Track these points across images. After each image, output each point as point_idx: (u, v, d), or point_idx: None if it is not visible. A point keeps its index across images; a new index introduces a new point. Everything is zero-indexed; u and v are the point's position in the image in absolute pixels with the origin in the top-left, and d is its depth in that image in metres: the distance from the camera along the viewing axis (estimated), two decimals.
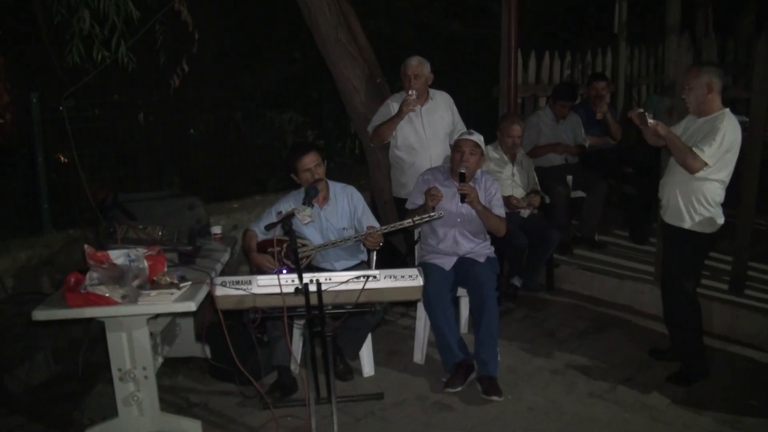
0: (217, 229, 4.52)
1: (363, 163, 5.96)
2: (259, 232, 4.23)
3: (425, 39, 8.74)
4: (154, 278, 3.47)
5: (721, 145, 3.86)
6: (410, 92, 4.91)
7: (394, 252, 5.38)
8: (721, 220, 4.09)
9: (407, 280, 3.56)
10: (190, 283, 3.49)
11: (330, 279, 3.53)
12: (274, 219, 4.18)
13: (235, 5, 8.75)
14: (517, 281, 5.59)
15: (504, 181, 5.43)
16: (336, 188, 4.38)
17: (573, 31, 9.30)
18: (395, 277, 3.56)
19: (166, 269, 3.59)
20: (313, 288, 3.42)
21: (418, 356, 4.55)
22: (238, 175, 6.21)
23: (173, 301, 3.33)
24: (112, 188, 4.98)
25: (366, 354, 4.37)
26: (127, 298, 3.31)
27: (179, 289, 3.39)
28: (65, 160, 6.47)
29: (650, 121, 4.01)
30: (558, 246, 5.59)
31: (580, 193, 6.19)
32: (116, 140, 6.14)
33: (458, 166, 4.35)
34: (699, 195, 4.02)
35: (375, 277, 3.53)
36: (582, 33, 9.12)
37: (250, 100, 6.81)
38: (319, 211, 4.26)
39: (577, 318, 5.21)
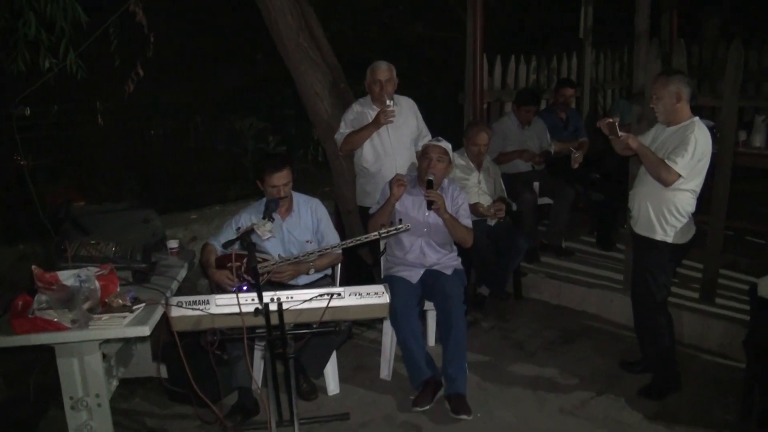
0: (173, 243, 4.33)
1: (326, 170, 5.81)
2: (218, 246, 4.06)
3: (388, 41, 8.60)
4: (106, 300, 3.28)
5: (693, 155, 3.80)
6: (389, 102, 4.76)
7: (359, 263, 5.24)
8: (692, 231, 4.04)
9: (373, 297, 3.42)
10: (143, 305, 3.31)
11: (292, 297, 3.38)
12: (233, 232, 4.02)
13: (195, 4, 8.52)
14: (484, 290, 5.49)
15: (470, 189, 5.32)
16: (299, 200, 4.22)
17: (538, 35, 9.24)
18: (360, 294, 3.41)
19: (118, 289, 3.40)
20: (274, 307, 3.27)
21: (385, 372, 4.42)
22: (197, 182, 6.00)
23: (126, 326, 3.15)
24: (67, 198, 4.77)
25: (331, 371, 4.22)
26: (78, 322, 3.13)
27: (132, 311, 3.21)
28: (23, 162, 6.25)
29: (621, 133, 3.93)
30: (525, 254, 5.50)
31: (547, 200, 6.11)
32: (72, 147, 5.93)
33: (425, 173, 4.23)
34: (670, 205, 3.95)
35: (339, 294, 3.39)
36: (547, 37, 9.06)
37: (210, 104, 6.63)
38: (281, 222, 4.11)
39: (546, 328, 5.12)
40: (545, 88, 7.27)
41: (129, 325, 3.15)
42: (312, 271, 4.13)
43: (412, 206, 4.26)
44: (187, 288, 4.72)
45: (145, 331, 3.14)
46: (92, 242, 3.92)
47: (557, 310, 5.46)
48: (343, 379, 4.31)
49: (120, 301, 3.24)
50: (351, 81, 5.67)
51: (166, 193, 5.91)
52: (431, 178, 4.18)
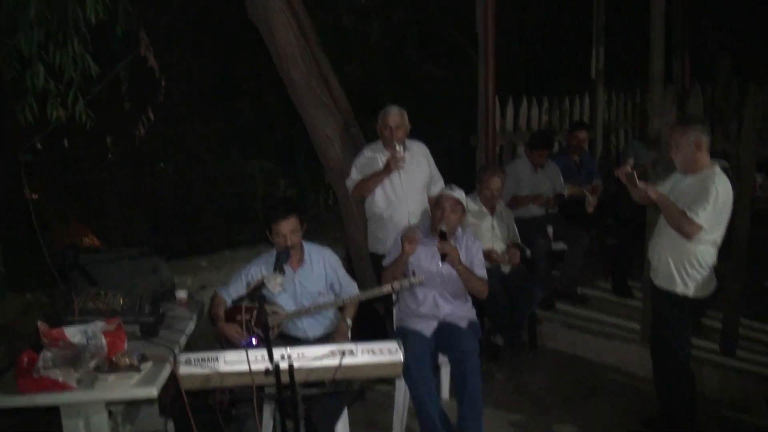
0: (182, 293, 4.23)
1: (337, 214, 5.73)
2: (228, 298, 3.96)
3: (399, 81, 8.57)
4: (113, 358, 3.18)
5: (714, 206, 3.71)
6: (398, 148, 4.70)
7: (371, 313, 5.11)
8: (714, 283, 3.93)
9: (386, 355, 3.29)
10: (150, 363, 3.20)
11: (303, 355, 3.26)
12: (243, 284, 3.95)
13: (206, 43, 8.53)
14: (498, 339, 5.36)
15: (483, 234, 5.23)
16: (311, 250, 4.13)
17: (550, 76, 9.21)
18: (373, 351, 3.29)
19: (125, 347, 3.30)
20: (284, 365, 3.16)
21: (398, 430, 4.28)
22: (207, 225, 5.93)
23: (133, 386, 3.05)
24: (76, 242, 4.71)
25: (341, 429, 4.08)
26: (83, 382, 3.02)
27: (139, 371, 3.10)
28: (34, 195, 6.21)
29: (640, 183, 3.84)
30: (540, 301, 5.38)
31: (561, 245, 6.00)
32: (81, 187, 5.89)
33: (439, 224, 4.15)
34: (691, 258, 3.85)
35: (352, 351, 3.28)
36: (559, 78, 9.03)
37: (219, 145, 6.58)
38: (293, 274, 4.01)
39: (563, 381, 4.98)
40: (557, 129, 7.21)
41: (136, 386, 3.05)
42: (349, 321, 4.11)
43: (425, 256, 4.17)
44: (195, 339, 4.62)
45: (153, 392, 3.03)
46: (100, 293, 3.84)
47: (574, 361, 5.31)
48: None
49: (127, 360, 3.14)
50: (362, 123, 5.63)
51: (175, 237, 5.83)
52: (445, 229, 4.09)
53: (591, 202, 6.04)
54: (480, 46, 5.68)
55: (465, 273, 4.13)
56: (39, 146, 4.53)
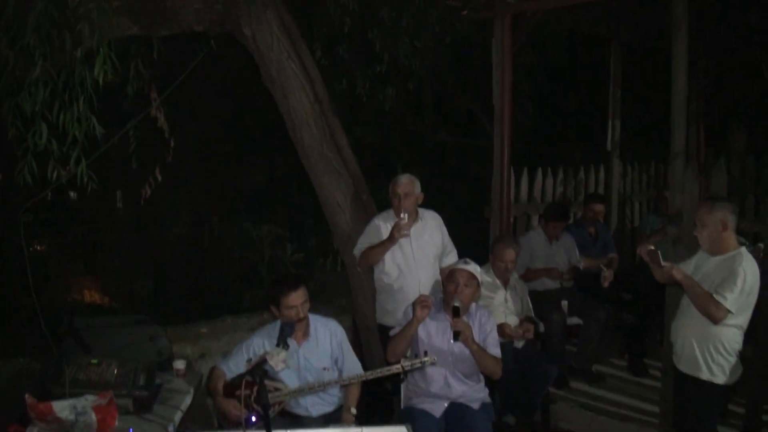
0: (180, 364, 4.04)
1: (345, 281, 5.56)
2: (227, 372, 3.77)
3: (411, 147, 8.50)
4: None
5: (742, 289, 3.54)
6: (402, 215, 4.56)
7: (378, 390, 4.86)
8: (740, 370, 3.72)
9: None
10: None
11: None
12: (244, 357, 3.75)
13: (219, 105, 8.52)
14: (510, 419, 5.11)
15: (496, 308, 5.03)
16: (317, 323, 3.94)
17: (565, 146, 9.14)
18: None
19: (116, 424, 3.11)
20: None
21: None
22: (211, 289, 5.75)
23: None
24: (74, 303, 4.56)
25: None
26: None
27: None
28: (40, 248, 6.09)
29: (664, 263, 3.67)
30: (554, 379, 5.14)
31: (576, 320, 5.79)
32: (87, 246, 5.77)
33: (452, 299, 3.95)
34: (717, 343, 3.66)
35: None
36: (574, 148, 8.96)
37: (227, 206, 6.47)
38: (297, 348, 3.81)
39: None
40: (572, 200, 7.07)
41: None
42: (353, 410, 3.86)
43: (436, 333, 3.97)
44: (192, 412, 4.40)
45: None
46: (93, 362, 3.66)
47: None
48: None
49: None
50: (374, 189, 5.51)
51: (177, 301, 5.66)
52: (458, 305, 3.89)
53: (607, 276, 5.86)
54: (495, 116, 5.59)
55: (478, 352, 3.92)
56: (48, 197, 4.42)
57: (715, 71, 8.22)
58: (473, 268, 4.05)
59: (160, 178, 5.17)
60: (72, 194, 6.81)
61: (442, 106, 8.42)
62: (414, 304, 4.01)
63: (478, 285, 4.07)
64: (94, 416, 3.03)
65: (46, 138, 3.39)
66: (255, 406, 3.57)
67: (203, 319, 5.43)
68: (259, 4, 4.84)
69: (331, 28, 5.84)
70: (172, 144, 5.36)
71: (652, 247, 3.79)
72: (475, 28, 6.46)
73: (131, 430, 3.06)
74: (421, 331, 4.00)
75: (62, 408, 3.05)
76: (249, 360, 3.54)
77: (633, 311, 5.93)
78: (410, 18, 5.89)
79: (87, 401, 3.14)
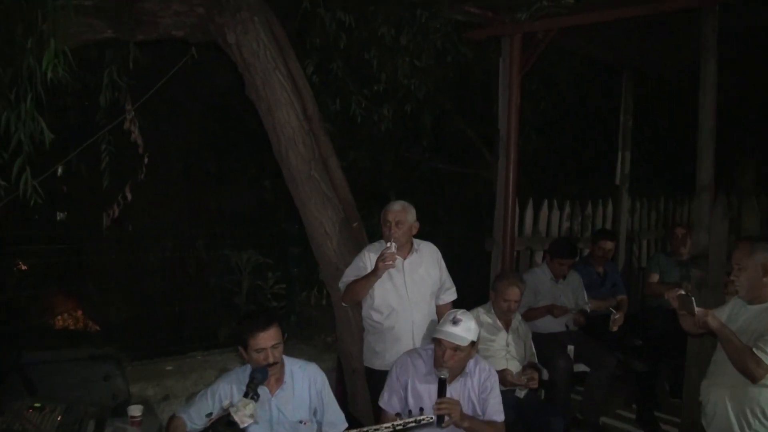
0: (135, 411, 3.48)
1: (330, 316, 5.05)
2: (188, 422, 3.24)
3: (406, 174, 8.06)
4: None
5: None
6: (389, 243, 4.07)
7: None
8: None
9: None
10: None
11: None
12: (209, 406, 3.22)
13: (203, 120, 8.09)
14: None
15: (497, 352, 4.55)
16: (293, 366, 3.40)
17: (571, 179, 8.70)
18: None
19: None
20: None
21: None
22: (181, 321, 5.22)
23: None
24: (18, 345, 4.05)
25: None
26: None
27: None
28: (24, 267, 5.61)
29: (698, 309, 3.20)
30: None
31: (582, 367, 5.29)
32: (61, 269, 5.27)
33: (438, 366, 3.38)
34: (755, 405, 3.19)
35: None
36: (580, 182, 8.51)
37: (205, 232, 5.96)
38: (269, 397, 3.29)
39: None
40: (579, 236, 6.61)
41: None
42: None
43: (429, 398, 3.36)
44: None
45: None
46: (36, 406, 3.13)
47: None
48: None
49: None
50: (364, 215, 5.04)
51: (151, 331, 5.13)
52: (444, 377, 3.28)
53: (617, 319, 5.38)
54: (501, 142, 5.17)
55: (474, 427, 3.36)
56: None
57: (723, 106, 7.88)
58: (464, 328, 3.38)
59: (130, 197, 4.69)
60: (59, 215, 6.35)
61: (440, 132, 7.98)
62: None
63: (473, 344, 3.47)
64: None
65: None
66: None
67: (174, 353, 4.90)
68: (245, 9, 4.40)
69: (325, 44, 5.41)
70: (146, 161, 4.87)
71: (683, 292, 3.31)
72: (477, 51, 6.09)
73: None
74: (411, 397, 3.47)
75: None
76: (209, 414, 3.02)
77: (644, 359, 5.42)
78: (411, 35, 5.47)
79: None
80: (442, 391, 3.20)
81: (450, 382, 3.40)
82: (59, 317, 5.71)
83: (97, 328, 5.80)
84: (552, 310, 5.23)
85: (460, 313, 3.46)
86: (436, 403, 3.15)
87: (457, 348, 3.33)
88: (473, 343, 3.41)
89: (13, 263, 5.51)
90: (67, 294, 5.67)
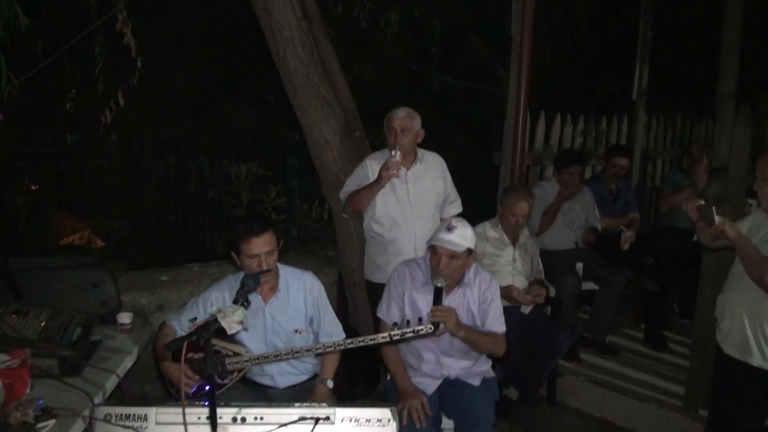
0: (125, 318, 3.38)
1: (332, 230, 4.89)
2: (178, 329, 3.12)
3: (414, 89, 7.78)
4: (4, 410, 2.33)
5: None
6: (394, 152, 3.86)
7: (362, 355, 4.20)
8: None
9: (375, 426, 2.49)
10: (53, 421, 2.35)
11: (261, 419, 2.45)
12: (200, 312, 3.10)
13: (207, 37, 7.81)
14: (512, 392, 4.50)
15: (503, 267, 4.39)
16: (288, 275, 3.26)
17: (584, 93, 8.37)
18: (358, 420, 2.49)
19: (28, 391, 2.47)
20: (235, 431, 2.35)
21: None
22: (179, 233, 5.07)
23: None
24: (5, 250, 3.91)
25: None
26: None
27: None
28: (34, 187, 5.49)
29: (718, 218, 3.00)
30: (565, 351, 4.50)
31: (591, 285, 5.13)
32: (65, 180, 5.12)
33: (435, 275, 3.21)
34: None
35: (328, 418, 2.46)
36: (594, 96, 8.19)
37: (212, 146, 5.77)
38: (263, 306, 3.16)
39: None
40: (592, 153, 6.36)
41: None
42: (330, 382, 3.21)
43: (426, 308, 3.17)
44: (137, 374, 3.78)
45: None
46: (20, 311, 3.01)
47: (600, 426, 4.46)
48: None
49: (18, 416, 2.29)
50: (370, 131, 4.82)
51: (150, 243, 5.00)
52: (441, 285, 3.09)
53: (628, 237, 5.21)
54: (513, 50, 4.86)
55: (471, 337, 3.19)
56: None
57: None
58: (459, 235, 3.18)
59: (122, 102, 4.46)
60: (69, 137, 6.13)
61: (451, 46, 7.66)
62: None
63: (470, 252, 3.27)
64: None
65: None
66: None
67: (171, 265, 4.78)
68: None
69: None
70: (139, 65, 4.62)
71: (702, 202, 3.12)
72: None
73: (41, 402, 2.41)
74: (408, 305, 3.32)
75: None
76: (193, 320, 2.89)
77: (655, 278, 5.26)
78: None
79: None
80: (437, 300, 3.04)
81: (448, 293, 3.25)
82: (55, 226, 5.59)
83: (95, 238, 5.68)
84: (566, 193, 5.01)
85: (456, 221, 3.27)
86: (431, 311, 3.00)
87: (452, 255, 3.15)
88: (470, 251, 3.22)
89: (15, 176, 5.38)
90: (64, 204, 5.52)
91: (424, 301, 3.22)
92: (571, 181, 5.05)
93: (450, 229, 3.19)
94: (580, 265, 5.05)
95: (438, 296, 3.05)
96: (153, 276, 4.44)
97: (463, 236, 3.17)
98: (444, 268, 3.15)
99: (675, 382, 4.58)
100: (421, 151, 4.17)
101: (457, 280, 3.27)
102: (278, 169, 5.70)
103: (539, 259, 4.68)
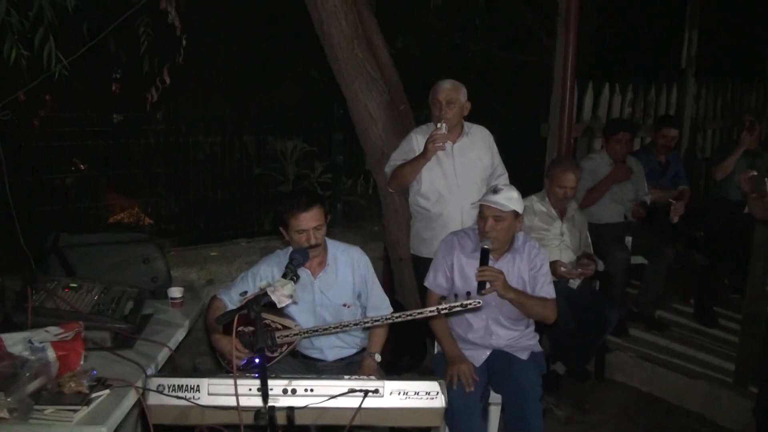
0: (176, 293, 3.43)
1: (377, 205, 4.90)
2: (229, 303, 3.17)
3: (459, 62, 7.68)
4: (59, 381, 2.39)
5: None
6: (439, 124, 3.84)
7: (410, 329, 4.19)
8: None
9: (423, 399, 2.49)
10: (107, 391, 2.40)
11: (311, 390, 2.47)
12: (250, 287, 3.14)
13: (249, 12, 7.80)
14: (559, 367, 4.49)
15: (550, 242, 4.35)
16: (336, 250, 3.27)
17: (634, 62, 8.16)
18: (407, 393, 2.48)
19: (82, 362, 2.53)
20: (285, 402, 2.37)
21: None
22: (226, 210, 5.11)
23: (75, 424, 2.24)
24: (57, 226, 3.98)
25: None
26: (16, 412, 2.23)
27: (87, 404, 2.29)
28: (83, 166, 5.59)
29: None
30: (614, 326, 4.45)
31: (640, 259, 5.06)
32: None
33: (482, 237, 3.19)
34: None
35: (378, 391, 2.46)
36: (646, 65, 7.98)
37: (253, 122, 5.79)
38: (312, 280, 3.18)
39: (636, 427, 4.09)
40: (641, 123, 6.23)
41: (80, 424, 2.24)
42: (378, 356, 3.23)
43: (473, 275, 3.16)
44: (188, 347, 3.86)
45: None
46: (72, 285, 3.07)
47: (649, 402, 4.41)
48: None
49: (73, 386, 2.34)
50: (414, 105, 4.78)
51: (197, 221, 5.06)
52: (488, 246, 3.11)
53: (677, 210, 5.10)
54: (559, 18, 4.79)
55: (519, 300, 3.18)
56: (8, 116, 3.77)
57: None
58: (505, 196, 3.16)
59: (168, 81, 4.50)
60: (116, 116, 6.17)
61: (494, 16, 7.54)
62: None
63: (517, 215, 3.24)
64: (53, 353, 2.45)
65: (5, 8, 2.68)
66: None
67: (219, 240, 4.83)
68: None
69: None
70: (184, 43, 4.65)
71: (755, 173, 3.03)
72: None
73: (94, 372, 2.46)
74: (457, 271, 3.31)
75: (15, 342, 2.47)
76: (243, 293, 2.92)
77: (706, 252, 5.16)
78: None
79: (49, 334, 2.56)
80: (484, 260, 3.05)
81: (497, 258, 3.24)
82: (104, 204, 5.68)
83: (144, 215, 5.77)
84: (616, 173, 4.91)
85: (503, 184, 3.29)
86: (478, 270, 3.01)
87: (498, 217, 3.13)
88: (516, 215, 3.20)
89: (64, 156, 5.47)
90: (112, 183, 5.61)
91: (473, 268, 3.20)
92: (619, 149, 4.96)
93: (496, 191, 3.19)
94: (629, 239, 4.98)
95: (485, 257, 3.06)
96: (202, 252, 4.50)
97: (508, 198, 3.15)
98: (490, 230, 3.14)
99: (725, 358, 4.51)
100: (467, 125, 4.14)
101: (506, 245, 3.25)
102: (324, 145, 5.71)
103: (587, 233, 4.62)
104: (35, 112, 6.54)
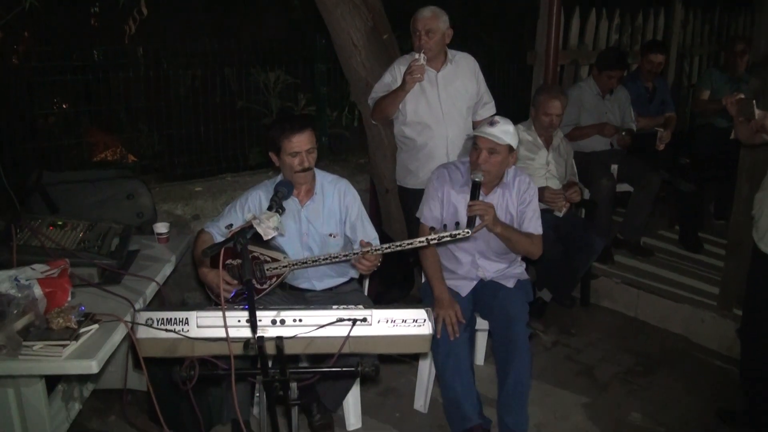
0: (162, 228, 3.43)
1: (363, 137, 4.85)
2: (218, 235, 3.16)
3: None
4: (47, 317, 2.39)
5: None
6: (418, 55, 3.77)
7: (397, 260, 4.20)
8: None
9: (411, 326, 2.50)
10: (95, 326, 2.41)
11: (300, 320, 2.48)
12: (238, 217, 3.13)
13: None
14: (545, 295, 4.54)
15: (536, 170, 4.34)
16: (324, 181, 3.26)
17: None
18: (394, 321, 2.50)
19: (69, 299, 2.53)
20: (274, 332, 2.39)
21: (420, 402, 3.51)
22: (210, 145, 5.05)
23: (65, 359, 2.26)
24: (39, 165, 3.93)
25: (352, 402, 3.33)
26: (5, 349, 2.25)
27: (75, 339, 2.31)
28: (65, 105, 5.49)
29: (758, 111, 2.91)
30: (599, 253, 4.49)
31: (626, 187, 5.07)
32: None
33: (473, 170, 3.16)
34: None
35: (365, 320, 2.48)
36: None
37: (238, 54, 5.67)
38: (299, 209, 3.18)
39: (621, 350, 4.17)
40: (628, 49, 6.16)
41: (69, 359, 2.26)
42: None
43: (465, 207, 3.15)
44: (176, 282, 3.86)
45: (92, 367, 2.25)
46: (57, 223, 3.05)
47: (633, 326, 4.50)
48: (367, 408, 3.43)
49: (61, 321, 2.35)
50: (399, 35, 4.68)
51: (169, 160, 4.99)
52: (479, 179, 3.08)
53: (663, 137, 5.10)
54: None
55: (507, 234, 3.18)
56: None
57: None
58: (502, 129, 3.14)
59: (145, 12, 4.37)
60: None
61: None
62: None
63: (512, 149, 3.22)
64: (39, 290, 2.45)
65: None
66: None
67: (204, 176, 4.79)
68: None
69: None
70: None
71: (742, 95, 3.01)
72: None
73: (83, 308, 2.47)
74: (446, 205, 3.30)
75: (1, 280, 2.46)
76: (229, 226, 2.92)
77: (691, 178, 5.18)
78: None
79: (35, 271, 2.55)
80: (475, 194, 3.04)
81: (487, 193, 3.24)
82: (86, 141, 5.61)
83: (128, 152, 5.71)
84: (602, 129, 4.93)
85: (499, 117, 3.22)
86: (468, 205, 3.00)
87: (492, 150, 3.11)
88: (511, 149, 3.18)
89: (44, 93, 5.36)
90: (95, 119, 5.52)
91: (462, 201, 3.20)
92: (609, 83, 4.93)
93: (492, 123, 3.16)
94: (614, 167, 4.98)
95: (475, 191, 3.05)
96: (187, 187, 4.46)
97: (504, 131, 3.12)
98: (484, 162, 3.12)
99: (710, 282, 4.58)
100: (451, 52, 4.07)
101: (496, 180, 3.24)
102: (307, 77, 5.60)
103: (573, 161, 4.61)
104: (12, 48, 6.40)
